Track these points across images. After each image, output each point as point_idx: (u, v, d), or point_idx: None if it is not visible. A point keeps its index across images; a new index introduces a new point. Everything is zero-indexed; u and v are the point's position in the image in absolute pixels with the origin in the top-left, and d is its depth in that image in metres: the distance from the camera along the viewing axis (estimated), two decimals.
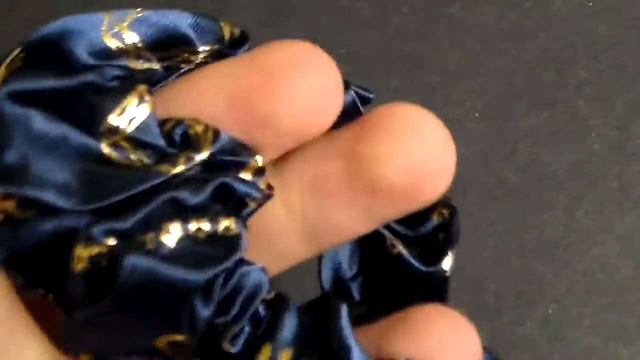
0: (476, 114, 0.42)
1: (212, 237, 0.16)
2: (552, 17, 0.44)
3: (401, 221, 0.20)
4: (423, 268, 0.20)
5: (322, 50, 0.17)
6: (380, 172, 0.18)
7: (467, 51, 0.44)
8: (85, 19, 0.17)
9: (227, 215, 0.16)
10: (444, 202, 0.21)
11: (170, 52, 0.18)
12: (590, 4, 0.44)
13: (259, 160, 0.17)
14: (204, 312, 0.15)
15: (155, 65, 0.18)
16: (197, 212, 0.16)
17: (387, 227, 0.21)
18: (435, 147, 0.18)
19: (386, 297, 0.21)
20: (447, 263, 0.21)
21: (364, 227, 0.19)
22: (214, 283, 0.15)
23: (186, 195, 0.16)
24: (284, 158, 0.19)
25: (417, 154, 0.17)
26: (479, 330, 0.39)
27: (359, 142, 0.18)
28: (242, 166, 0.17)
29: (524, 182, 0.41)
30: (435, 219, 0.21)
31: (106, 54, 0.17)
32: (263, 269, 0.16)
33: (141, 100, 0.16)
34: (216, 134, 0.17)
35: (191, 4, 0.44)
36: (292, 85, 0.17)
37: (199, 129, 0.17)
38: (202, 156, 0.16)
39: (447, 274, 0.20)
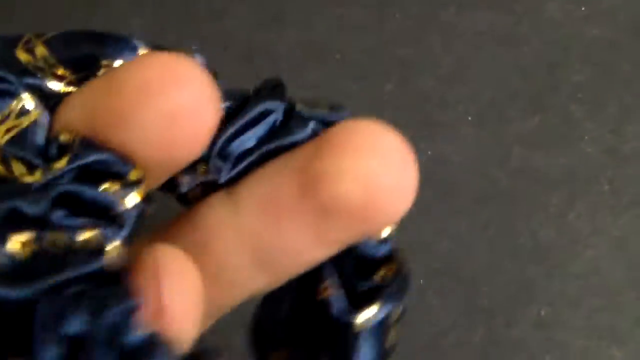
0: (469, 118, 0.43)
1: (66, 249, 0.15)
2: (545, 21, 0.45)
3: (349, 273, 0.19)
4: (342, 316, 0.18)
5: (190, 63, 0.16)
6: (333, 190, 0.16)
7: (461, 56, 0.44)
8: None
9: (91, 227, 0.15)
10: (395, 258, 0.20)
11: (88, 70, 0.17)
12: (583, 8, 0.45)
13: (135, 172, 0.16)
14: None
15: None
16: (37, 223, 0.15)
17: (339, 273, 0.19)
18: (393, 164, 0.16)
19: (306, 344, 0.19)
20: (366, 314, 0.18)
21: (319, 252, 0.18)
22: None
23: (24, 205, 0.15)
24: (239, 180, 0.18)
25: (373, 171, 0.16)
26: (473, 332, 0.40)
27: (313, 159, 0.17)
28: (115, 178, 0.16)
29: (517, 185, 0.42)
30: (377, 278, 0.19)
31: (18, 69, 0.16)
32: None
33: (22, 110, 0.16)
34: (86, 144, 0.16)
35: (184, 10, 0.44)
36: (143, 110, 0.15)
37: (65, 138, 0.16)
38: (60, 166, 0.15)
39: (357, 330, 0.18)
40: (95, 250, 0.15)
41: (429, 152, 0.42)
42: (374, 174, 0.16)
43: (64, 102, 0.16)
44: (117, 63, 0.17)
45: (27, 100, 0.16)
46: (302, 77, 0.43)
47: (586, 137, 0.42)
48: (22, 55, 0.16)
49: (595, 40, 0.44)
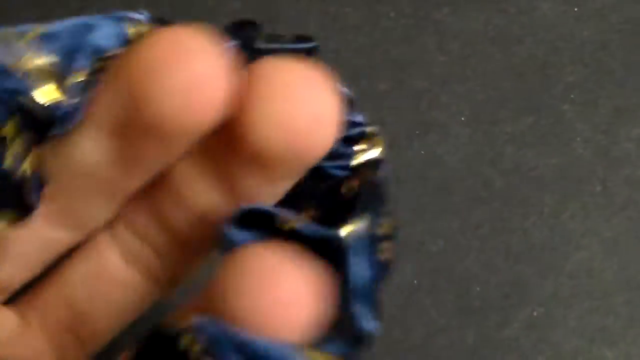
0: (462, 118, 0.43)
1: None
2: (538, 22, 0.45)
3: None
4: (317, 231, 0.17)
5: (201, 35, 0.16)
6: (254, 142, 0.16)
7: (454, 56, 0.44)
8: None
9: None
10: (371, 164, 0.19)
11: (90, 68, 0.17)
12: (576, 9, 0.45)
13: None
14: None
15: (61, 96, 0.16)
16: None
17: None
18: (308, 102, 0.16)
19: None
20: (346, 229, 0.18)
21: (266, 191, 0.18)
22: None
23: None
24: None
25: (289, 115, 0.16)
26: (465, 332, 0.40)
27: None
28: None
29: (509, 185, 0.42)
30: (359, 155, 0.19)
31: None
32: None
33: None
34: None
35: (177, 7, 0.44)
36: (158, 85, 0.16)
37: None
38: None
39: (344, 243, 0.17)
40: None
41: (422, 152, 0.42)
42: (290, 118, 0.16)
43: (96, 101, 0.17)
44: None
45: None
46: None
47: (579, 138, 0.42)
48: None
49: (588, 41, 0.44)
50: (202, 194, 0.18)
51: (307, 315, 0.15)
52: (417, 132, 0.42)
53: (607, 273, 0.41)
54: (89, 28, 0.17)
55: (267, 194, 0.18)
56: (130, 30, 0.17)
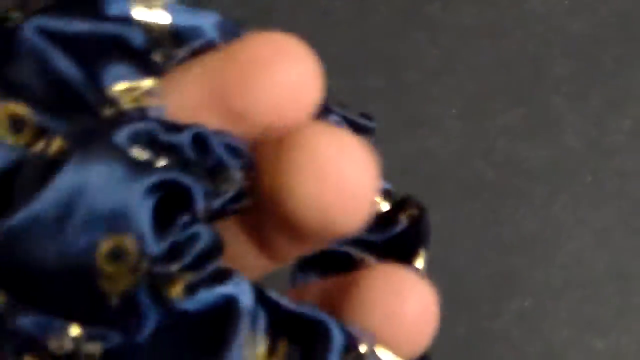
0: (454, 111, 0.43)
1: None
2: (529, 15, 0.45)
3: (370, 228, 0.20)
4: None
5: (299, 42, 0.17)
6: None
7: (446, 50, 0.44)
8: None
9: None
10: (412, 202, 0.20)
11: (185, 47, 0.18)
12: (566, 2, 0.45)
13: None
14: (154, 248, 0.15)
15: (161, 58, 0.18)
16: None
17: (355, 240, 0.20)
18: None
19: None
20: (420, 263, 0.20)
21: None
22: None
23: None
24: None
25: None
26: (457, 323, 0.40)
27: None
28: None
29: (500, 177, 0.42)
30: (404, 220, 0.21)
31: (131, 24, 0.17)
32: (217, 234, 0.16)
33: (149, 92, 0.17)
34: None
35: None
36: (266, 80, 0.17)
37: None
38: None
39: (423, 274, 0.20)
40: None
41: (414, 145, 0.42)
42: (323, 195, 0.17)
43: (169, 80, 0.17)
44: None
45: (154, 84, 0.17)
46: None
47: (569, 130, 0.43)
48: None
49: (578, 34, 0.44)
50: (237, 252, 0.19)
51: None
52: (408, 125, 0.43)
53: (598, 263, 0.41)
54: None
55: (297, 254, 0.19)
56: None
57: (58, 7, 0.17)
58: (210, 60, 0.18)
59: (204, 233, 0.16)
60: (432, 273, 0.41)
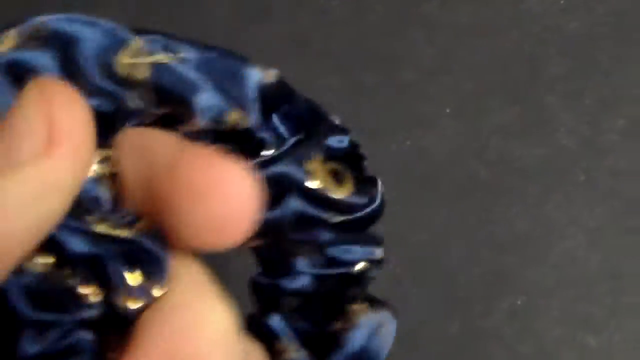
0: (448, 110, 0.43)
1: None
2: (524, 14, 0.45)
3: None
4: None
5: (239, 170, 0.17)
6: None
7: (441, 48, 0.45)
8: (101, 30, 0.17)
9: None
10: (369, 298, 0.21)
11: (167, 107, 0.18)
12: (562, 1, 0.45)
13: None
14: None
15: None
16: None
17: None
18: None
19: None
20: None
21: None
22: None
23: None
24: None
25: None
26: (450, 321, 0.40)
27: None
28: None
29: (494, 176, 0.42)
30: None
31: (115, 79, 0.17)
32: None
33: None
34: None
35: (167, 1, 0.45)
36: (198, 210, 0.17)
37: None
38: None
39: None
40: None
41: (408, 144, 0.43)
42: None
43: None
44: None
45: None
46: (283, 69, 0.43)
47: (563, 129, 0.43)
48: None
49: (574, 33, 0.44)
50: None
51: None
52: (403, 124, 0.43)
53: (590, 262, 0.41)
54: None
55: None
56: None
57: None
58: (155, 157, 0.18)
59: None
60: (425, 272, 0.41)
